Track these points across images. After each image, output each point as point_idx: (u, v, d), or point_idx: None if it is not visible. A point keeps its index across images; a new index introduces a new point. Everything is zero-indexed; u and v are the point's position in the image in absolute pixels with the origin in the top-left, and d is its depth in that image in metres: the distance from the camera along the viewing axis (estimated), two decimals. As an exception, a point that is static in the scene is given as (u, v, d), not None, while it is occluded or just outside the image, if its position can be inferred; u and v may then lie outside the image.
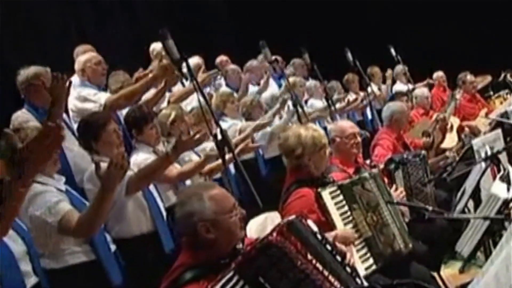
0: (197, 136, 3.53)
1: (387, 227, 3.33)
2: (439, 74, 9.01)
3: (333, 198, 3.21)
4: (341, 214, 3.20)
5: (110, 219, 3.51)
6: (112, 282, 3.18)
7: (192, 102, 5.32)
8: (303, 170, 3.36)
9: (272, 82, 7.20)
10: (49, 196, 2.99)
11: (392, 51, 8.32)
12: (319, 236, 2.45)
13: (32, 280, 2.64)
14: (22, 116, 3.93)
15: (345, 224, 3.18)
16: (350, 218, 3.22)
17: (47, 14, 6.36)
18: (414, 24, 9.98)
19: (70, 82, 3.49)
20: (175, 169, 4.09)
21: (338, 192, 3.25)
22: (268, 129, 5.59)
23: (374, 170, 3.65)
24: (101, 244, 3.19)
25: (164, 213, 3.80)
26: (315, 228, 2.50)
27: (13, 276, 2.54)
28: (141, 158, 3.99)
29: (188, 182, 4.25)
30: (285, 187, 3.40)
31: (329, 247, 2.44)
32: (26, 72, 4.03)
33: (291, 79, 6.34)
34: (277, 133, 5.74)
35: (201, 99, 3.43)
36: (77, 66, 4.67)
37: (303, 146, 3.34)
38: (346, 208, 3.23)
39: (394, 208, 3.42)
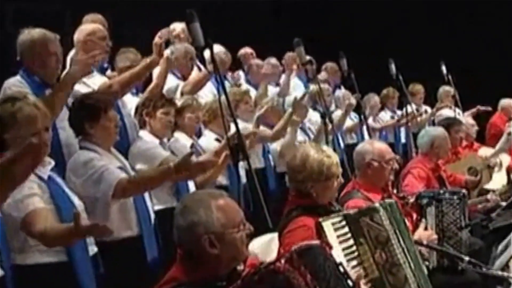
0: (205, 165, 3.54)
1: (398, 267, 3.23)
2: (506, 102, 8.86)
3: (336, 230, 3.15)
4: (344, 249, 3.13)
5: (92, 218, 3.43)
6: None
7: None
8: (306, 197, 3.32)
9: (300, 85, 7.18)
10: (24, 186, 2.90)
11: (443, 68, 8.18)
12: (341, 269, 2.51)
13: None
14: (15, 85, 3.81)
15: (348, 261, 3.10)
16: (355, 254, 3.16)
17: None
18: (475, 41, 9.83)
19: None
20: None
21: (343, 223, 3.18)
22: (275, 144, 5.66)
23: (388, 200, 3.56)
24: (78, 244, 3.11)
25: (153, 216, 3.79)
26: (339, 259, 2.58)
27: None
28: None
29: (191, 185, 4.27)
30: (286, 210, 3.37)
31: (350, 283, 2.51)
32: (31, 35, 3.89)
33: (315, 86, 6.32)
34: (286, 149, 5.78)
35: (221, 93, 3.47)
36: (77, 35, 4.58)
37: (307, 170, 3.30)
38: (351, 242, 3.17)
39: (412, 247, 3.33)
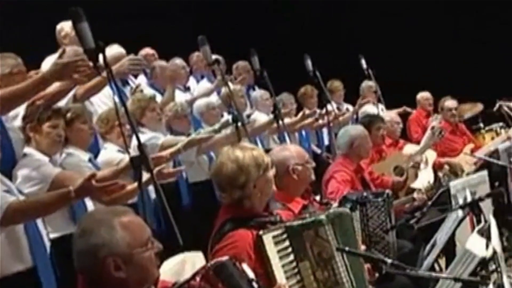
0: (111, 188, 3.39)
1: (339, 286, 3.21)
2: (424, 95, 9.08)
3: (276, 244, 3.11)
4: (284, 265, 3.10)
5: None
6: None
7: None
8: (244, 205, 3.25)
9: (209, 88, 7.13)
10: None
11: (363, 62, 8.29)
12: (255, 285, 2.55)
13: None
14: None
15: (288, 278, 3.08)
16: (295, 271, 3.13)
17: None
18: (395, 34, 10.03)
19: None
20: None
21: (284, 236, 3.14)
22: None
23: (336, 210, 3.53)
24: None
25: (48, 245, 3.64)
26: (251, 274, 2.60)
27: None
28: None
29: (90, 206, 4.11)
30: (217, 225, 3.27)
31: None
32: None
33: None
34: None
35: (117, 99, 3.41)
36: None
37: (245, 172, 3.22)
38: (291, 257, 3.13)
39: (356, 261, 3.30)
